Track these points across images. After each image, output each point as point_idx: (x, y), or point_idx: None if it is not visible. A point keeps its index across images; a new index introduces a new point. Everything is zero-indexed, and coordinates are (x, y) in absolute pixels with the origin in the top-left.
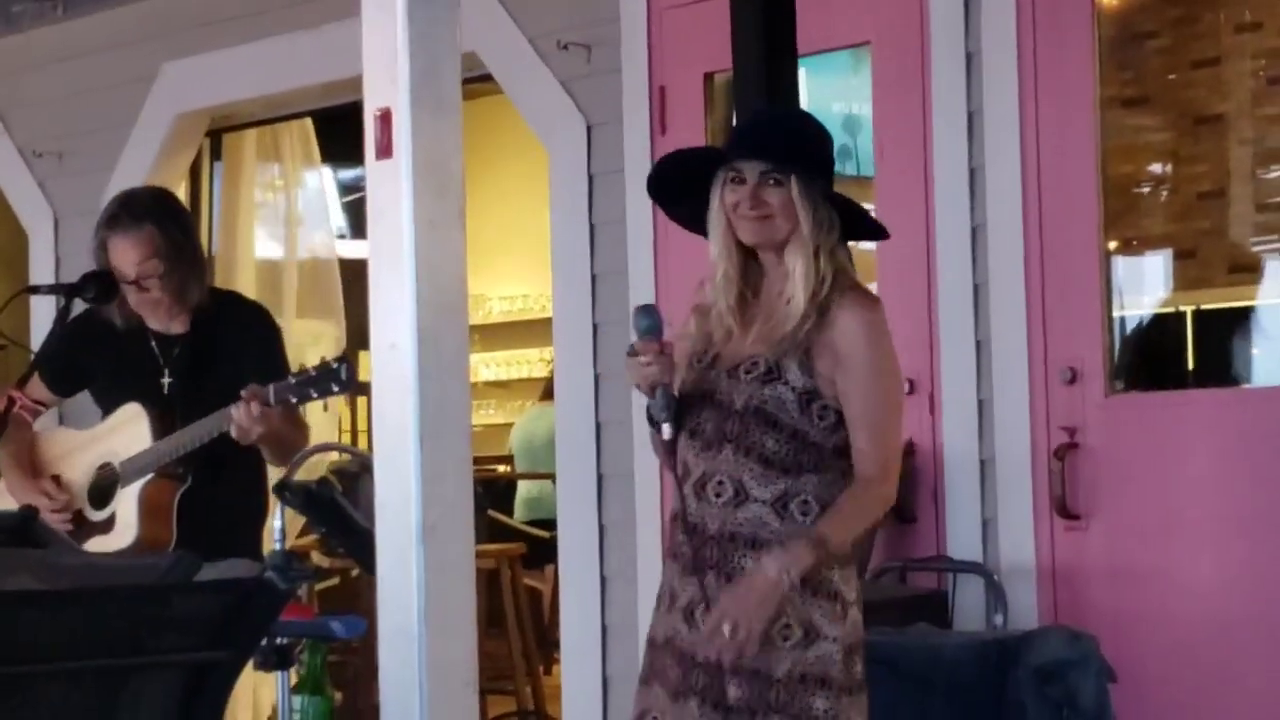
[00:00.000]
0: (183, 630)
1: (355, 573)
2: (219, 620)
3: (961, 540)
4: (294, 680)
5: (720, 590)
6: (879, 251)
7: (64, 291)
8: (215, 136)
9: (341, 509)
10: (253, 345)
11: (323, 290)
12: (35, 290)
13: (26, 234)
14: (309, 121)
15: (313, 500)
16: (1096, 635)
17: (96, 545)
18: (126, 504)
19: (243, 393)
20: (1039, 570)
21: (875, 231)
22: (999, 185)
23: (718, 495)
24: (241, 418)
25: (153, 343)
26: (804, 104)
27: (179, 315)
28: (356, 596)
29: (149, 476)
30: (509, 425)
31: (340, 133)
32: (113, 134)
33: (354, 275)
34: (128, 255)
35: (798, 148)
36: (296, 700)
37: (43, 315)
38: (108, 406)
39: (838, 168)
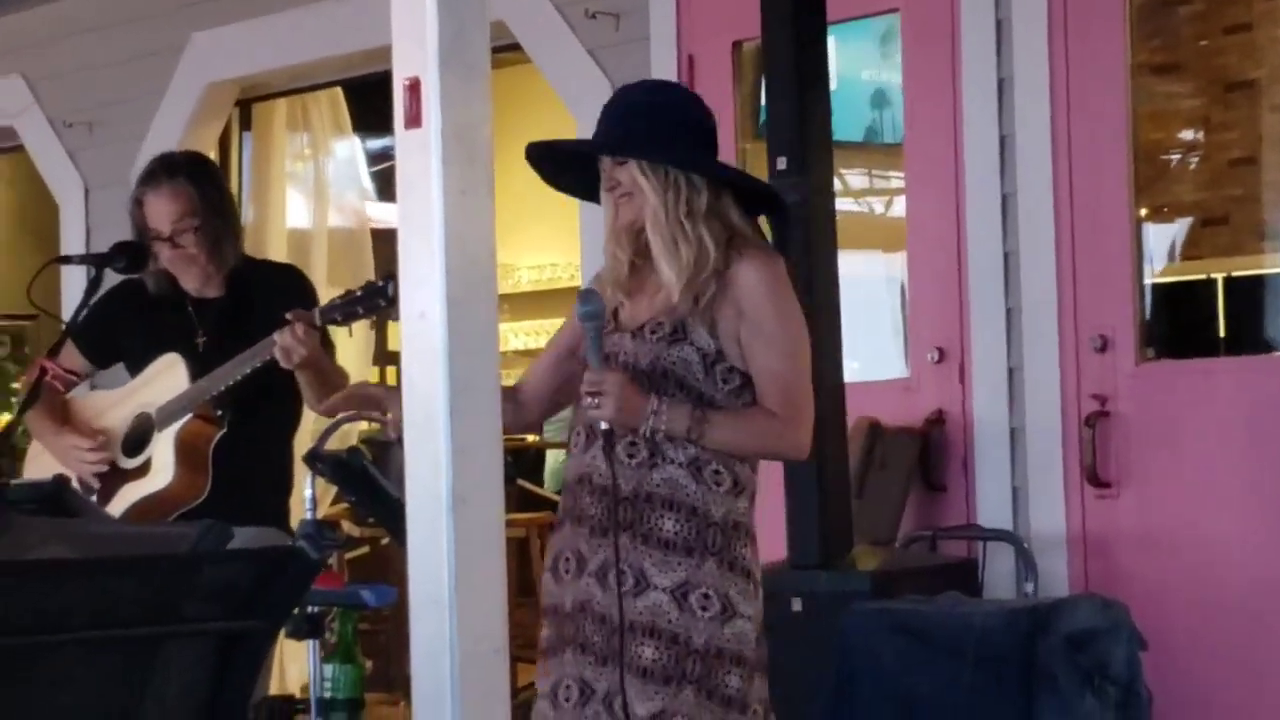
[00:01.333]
0: (215, 599)
1: (385, 541)
2: (251, 589)
3: (992, 508)
4: (325, 649)
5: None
6: (909, 219)
7: (94, 261)
8: (245, 106)
9: (372, 478)
10: (289, 301)
11: (353, 259)
12: (66, 260)
13: (57, 204)
14: (339, 91)
15: (343, 469)
16: (1127, 603)
17: (131, 491)
18: (163, 446)
19: (288, 315)
20: (1069, 538)
21: (770, 199)
22: (1029, 153)
23: (630, 456)
24: (286, 339)
25: (189, 307)
26: (833, 72)
27: (214, 277)
28: (386, 565)
29: (187, 418)
30: None
31: (369, 102)
32: (142, 104)
33: (383, 244)
34: (164, 210)
35: (632, 126)
36: (328, 669)
37: (73, 285)
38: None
39: (865, 137)
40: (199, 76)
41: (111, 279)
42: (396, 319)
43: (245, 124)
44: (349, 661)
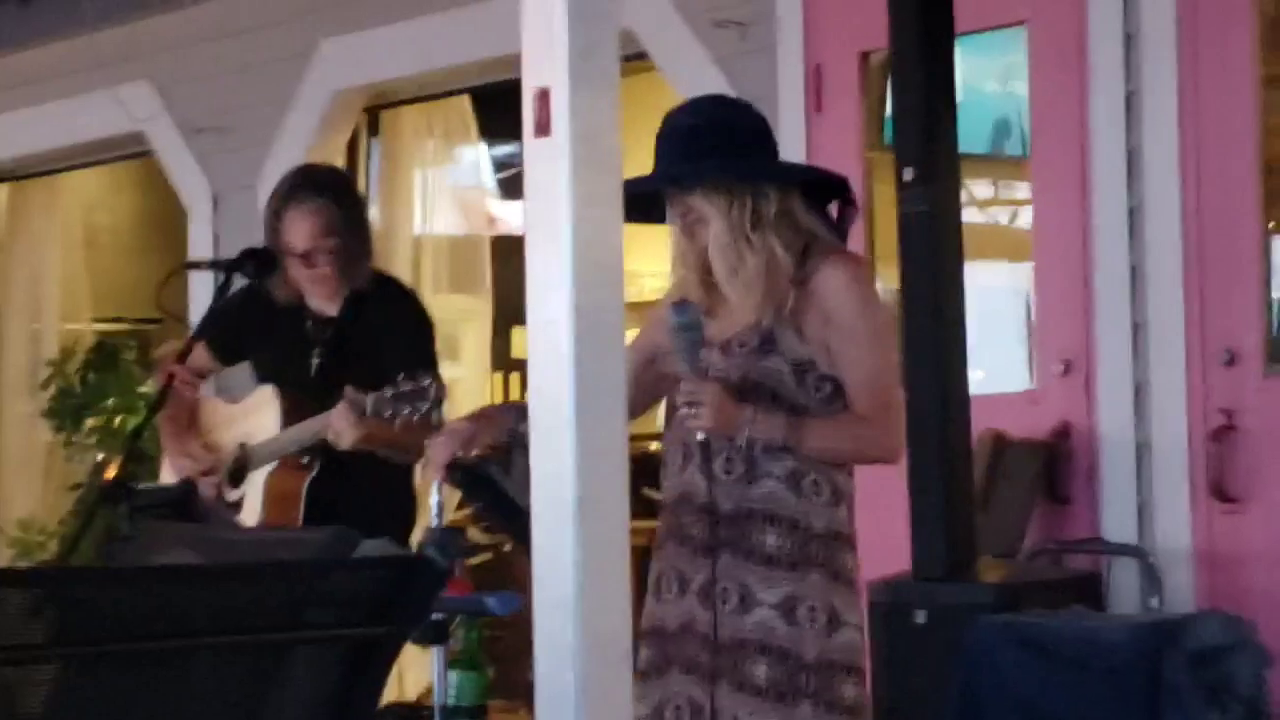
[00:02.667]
0: (343, 606)
1: (508, 548)
2: (380, 597)
3: (1117, 523)
4: (448, 656)
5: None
6: (1035, 231)
7: (223, 268)
8: (372, 113)
9: (498, 485)
10: (400, 335)
11: (474, 267)
12: (195, 266)
13: (185, 210)
14: (466, 98)
15: (470, 476)
16: (1253, 620)
17: None
18: (254, 489)
19: (346, 394)
20: (1195, 553)
21: (840, 188)
22: (1157, 166)
23: (728, 473)
24: (337, 421)
25: (308, 322)
26: (960, 84)
27: (338, 295)
28: (509, 571)
29: (273, 465)
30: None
31: (495, 109)
32: (271, 111)
33: (507, 251)
34: (303, 228)
35: (688, 153)
36: (452, 675)
37: (200, 291)
38: (261, 378)
39: (990, 148)
40: (327, 83)
41: (239, 284)
42: (438, 422)
43: (373, 131)
44: (473, 668)
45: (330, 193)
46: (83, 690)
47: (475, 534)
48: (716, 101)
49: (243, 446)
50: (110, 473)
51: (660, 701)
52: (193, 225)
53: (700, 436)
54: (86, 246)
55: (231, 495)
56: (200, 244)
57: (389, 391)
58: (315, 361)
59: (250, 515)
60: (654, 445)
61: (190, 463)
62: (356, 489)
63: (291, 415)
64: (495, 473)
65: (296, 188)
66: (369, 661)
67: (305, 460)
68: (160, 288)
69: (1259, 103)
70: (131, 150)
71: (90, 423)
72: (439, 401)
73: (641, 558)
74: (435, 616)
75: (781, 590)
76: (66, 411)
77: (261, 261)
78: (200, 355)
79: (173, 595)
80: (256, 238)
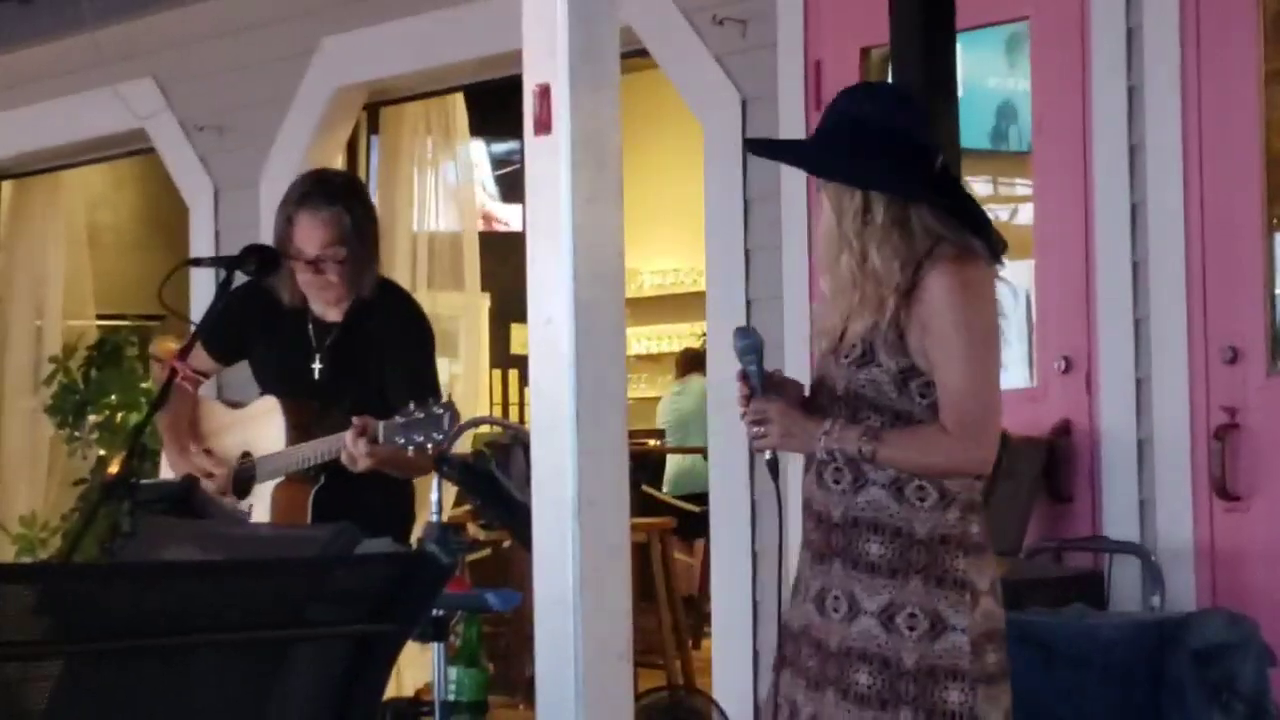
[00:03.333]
0: (346, 603)
1: (507, 544)
2: (382, 593)
3: (1118, 520)
4: (449, 652)
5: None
6: (1037, 228)
7: (225, 264)
8: (373, 110)
9: (497, 482)
10: (401, 346)
11: (472, 263)
12: (197, 263)
13: (187, 206)
14: (460, 95)
15: (470, 473)
16: (1256, 618)
17: None
18: (261, 502)
19: (355, 421)
20: (1197, 551)
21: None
22: (1159, 162)
23: (836, 482)
24: (350, 445)
25: (310, 326)
26: (961, 79)
27: (344, 302)
28: (508, 568)
29: (279, 479)
30: (659, 398)
31: (493, 106)
32: (272, 108)
33: (506, 247)
34: (314, 235)
35: (821, 139)
36: (452, 671)
37: (202, 287)
38: (261, 384)
39: (991, 144)
40: (328, 80)
41: (240, 282)
42: (446, 451)
43: (373, 127)
44: (473, 665)
45: (343, 201)
46: (86, 686)
47: (474, 530)
48: (883, 97)
49: (248, 456)
50: (113, 469)
51: (767, 697)
52: (194, 222)
53: (767, 456)
54: (88, 244)
55: (238, 506)
56: (201, 241)
57: (400, 419)
58: (317, 367)
59: None
60: (651, 442)
61: (190, 470)
62: (361, 499)
63: (298, 428)
64: (494, 469)
65: (309, 194)
66: (371, 658)
67: (311, 473)
68: (163, 284)
69: (1262, 98)
70: (133, 147)
71: (93, 419)
72: (455, 432)
73: (641, 556)
74: (435, 613)
75: (883, 598)
76: (69, 408)
77: (264, 259)
78: (199, 355)
79: (175, 592)
80: (257, 234)
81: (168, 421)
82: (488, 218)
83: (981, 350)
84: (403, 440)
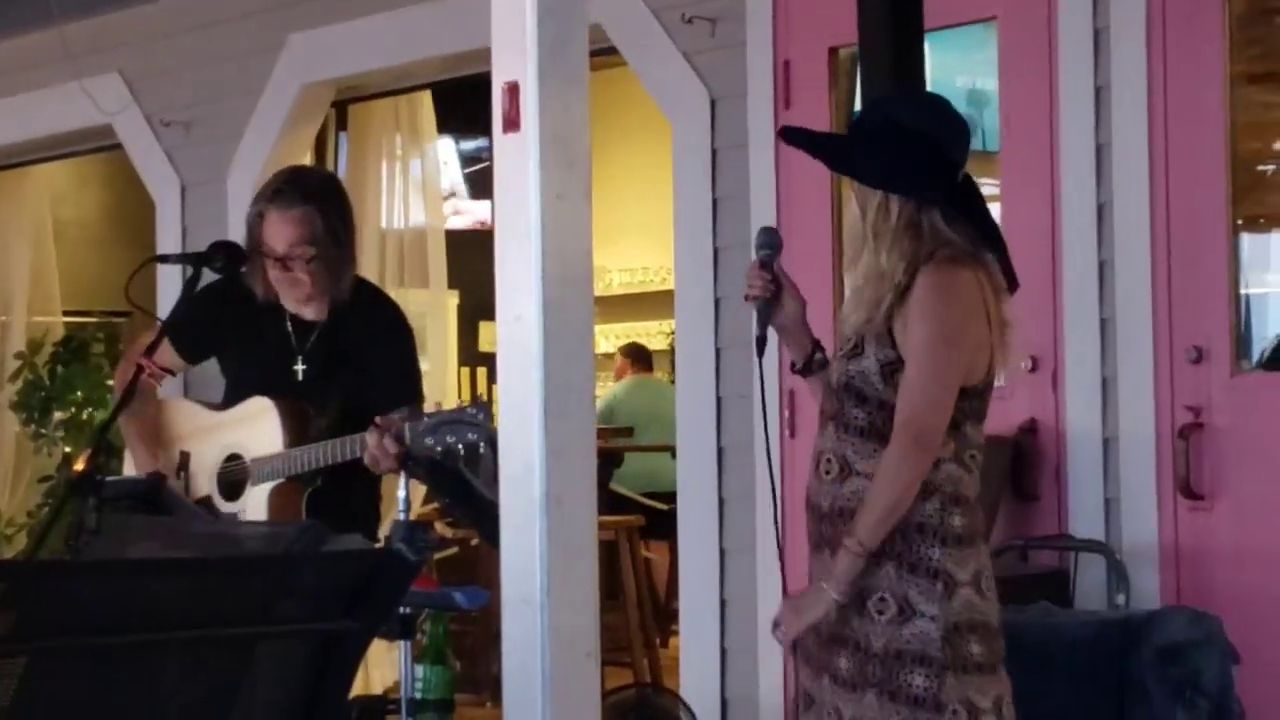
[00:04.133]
0: (313, 600)
1: (475, 542)
2: (349, 591)
3: (1083, 519)
4: (415, 650)
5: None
6: (1003, 227)
7: (192, 261)
8: (340, 108)
9: (465, 479)
10: (386, 347)
11: (439, 261)
12: (164, 259)
13: (153, 202)
14: (428, 92)
15: (437, 470)
16: (1220, 616)
17: None
18: (255, 503)
19: (377, 420)
20: (1162, 550)
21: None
22: (1126, 162)
23: (827, 473)
24: (374, 447)
25: (288, 325)
26: (929, 79)
27: (316, 301)
28: (475, 566)
29: (279, 480)
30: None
31: (460, 104)
32: (239, 104)
33: (474, 245)
34: (283, 232)
35: (852, 139)
36: (419, 669)
37: (168, 283)
38: (235, 382)
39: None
40: (295, 77)
41: (209, 278)
42: (487, 447)
43: (341, 124)
44: (439, 663)
45: (316, 201)
46: (51, 683)
47: (442, 528)
48: (916, 105)
49: (235, 459)
50: (79, 465)
51: (796, 686)
52: (161, 218)
53: (756, 331)
54: (53, 239)
55: (226, 508)
56: (168, 237)
57: (429, 420)
58: (300, 369)
59: None
60: (620, 441)
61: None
62: (355, 501)
63: (294, 430)
64: (462, 466)
65: (282, 191)
66: (338, 655)
67: (308, 474)
68: (130, 281)
69: (1228, 99)
70: (99, 143)
71: (59, 416)
72: (492, 438)
73: (608, 554)
74: (402, 611)
75: (858, 583)
76: (35, 404)
77: (231, 255)
78: (166, 353)
79: (141, 588)
80: (224, 231)
81: (137, 427)
82: (456, 215)
83: (941, 349)
84: (432, 441)
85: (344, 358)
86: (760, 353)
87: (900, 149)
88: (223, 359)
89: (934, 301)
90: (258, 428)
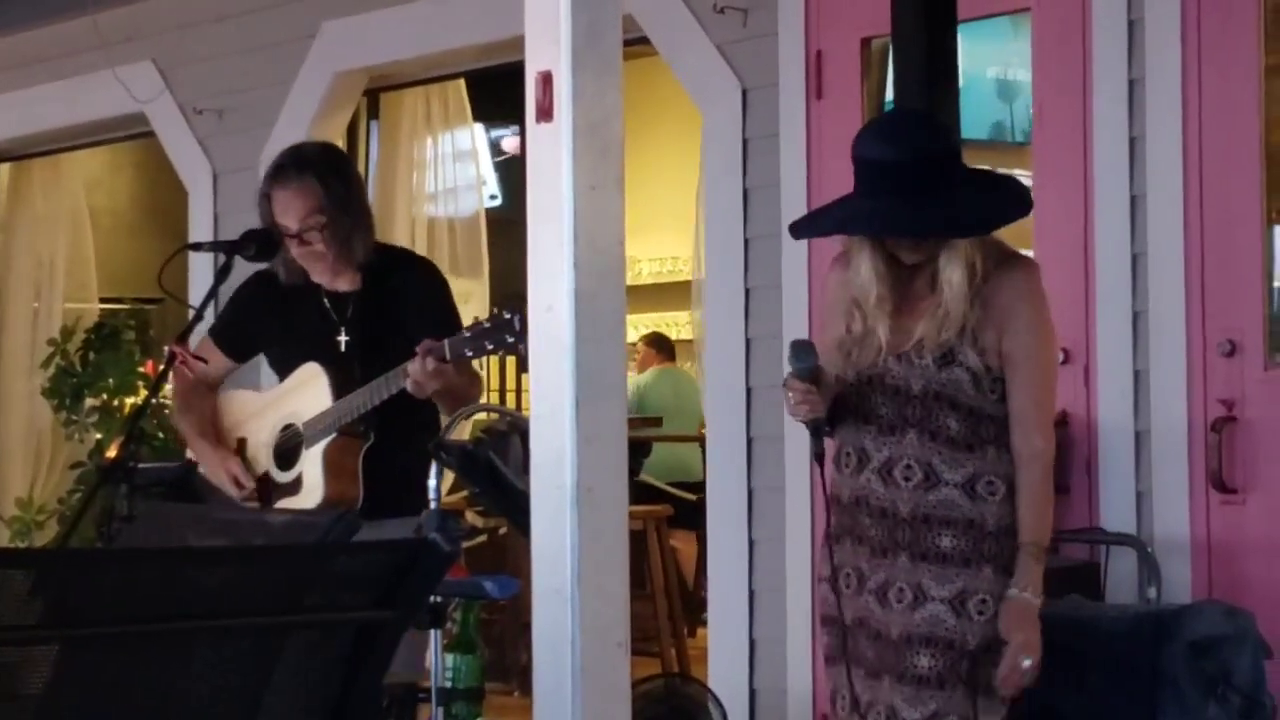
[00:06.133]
0: (348, 590)
1: (503, 531)
2: (384, 580)
3: (1115, 512)
4: (445, 639)
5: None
6: (1036, 219)
7: (224, 249)
8: (373, 96)
9: (496, 468)
10: (425, 300)
11: (471, 250)
12: (196, 248)
13: (186, 190)
14: (461, 81)
15: (468, 459)
16: (1253, 611)
17: (287, 506)
18: (312, 464)
19: (418, 348)
20: (1194, 544)
21: (1024, 201)
22: (1159, 154)
23: (907, 479)
24: (417, 373)
25: (325, 300)
26: (961, 71)
27: (345, 271)
28: (503, 554)
29: (331, 436)
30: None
31: (492, 92)
32: (272, 92)
33: (506, 234)
34: (291, 208)
35: (931, 190)
36: (449, 658)
37: (200, 271)
38: (283, 369)
39: (991, 134)
40: (328, 65)
41: (240, 265)
42: (524, 353)
43: (373, 113)
44: (470, 652)
45: (313, 169)
46: (82, 671)
47: (472, 517)
48: (923, 131)
49: (290, 426)
50: (111, 453)
51: (834, 688)
52: (193, 206)
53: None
54: (80, 226)
55: (283, 478)
56: (200, 224)
57: (467, 333)
58: (343, 339)
59: (311, 492)
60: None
61: (227, 480)
62: (409, 454)
63: (342, 386)
64: (493, 455)
65: (281, 167)
66: (372, 645)
67: (362, 428)
68: (162, 269)
69: (1262, 91)
70: (132, 131)
71: (90, 402)
72: (524, 330)
73: (636, 544)
74: (434, 599)
75: (954, 585)
76: (66, 391)
77: (263, 242)
78: (215, 356)
79: (173, 577)
80: (256, 219)
81: (195, 425)
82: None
83: (1054, 355)
84: (472, 352)
85: (384, 320)
86: (821, 463)
87: (955, 176)
88: (268, 350)
89: (1042, 304)
90: (308, 393)
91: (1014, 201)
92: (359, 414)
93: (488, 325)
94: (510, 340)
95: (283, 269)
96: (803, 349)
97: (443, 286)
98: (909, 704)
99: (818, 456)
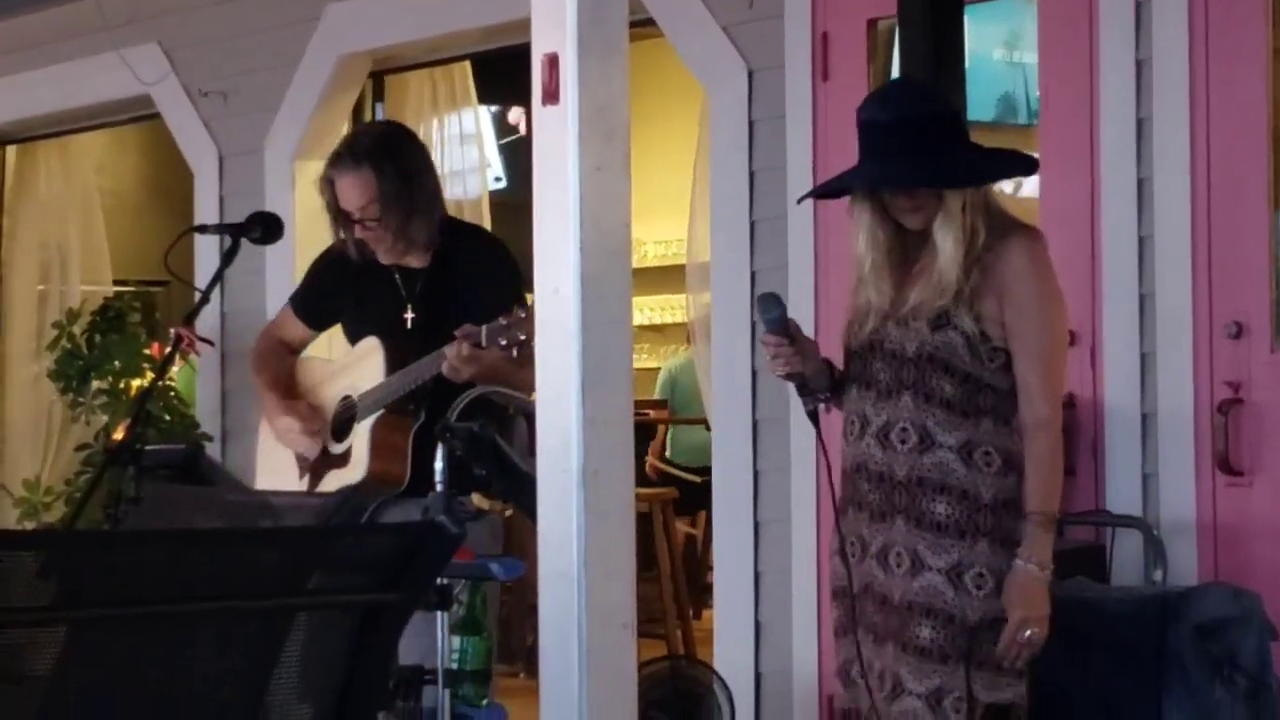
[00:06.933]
0: (354, 572)
1: (509, 513)
2: (391, 562)
3: (1121, 494)
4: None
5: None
6: (1043, 202)
7: (230, 232)
8: (378, 78)
9: (502, 451)
10: (490, 281)
11: None
12: (202, 230)
13: (191, 172)
14: (467, 64)
15: (474, 442)
16: (1258, 593)
17: (333, 479)
18: (360, 439)
19: (456, 332)
20: (1199, 526)
21: (1026, 164)
22: (1167, 137)
23: (903, 441)
24: (453, 357)
25: (396, 276)
26: (968, 52)
27: (412, 251)
28: (509, 536)
29: (380, 413)
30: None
31: (497, 74)
32: (276, 75)
33: (510, 218)
34: (349, 195)
35: (934, 151)
36: (455, 640)
37: (205, 254)
38: (355, 342)
39: (997, 116)
40: (332, 48)
41: (246, 247)
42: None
43: (378, 96)
44: (476, 633)
45: (368, 159)
46: (89, 653)
47: (478, 499)
48: (922, 97)
49: (348, 398)
50: (118, 434)
51: (845, 660)
52: (198, 188)
53: (807, 407)
54: (92, 209)
55: (336, 449)
56: (206, 207)
57: (503, 321)
58: (410, 316)
59: (357, 466)
60: (652, 414)
61: (294, 420)
62: None
63: (396, 362)
64: (498, 438)
65: (340, 155)
66: (379, 627)
67: (411, 407)
68: (169, 251)
69: (1270, 74)
70: (138, 113)
71: (96, 385)
72: (530, 333)
73: (642, 526)
74: (440, 581)
75: (950, 557)
76: (73, 373)
77: (268, 226)
78: (294, 325)
79: (179, 559)
80: (262, 201)
81: (269, 377)
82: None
83: (1062, 328)
84: (506, 340)
85: (452, 297)
86: (816, 424)
87: (961, 142)
88: (344, 323)
89: (1049, 276)
90: (365, 366)
91: (1013, 162)
92: (405, 393)
93: (524, 315)
94: (522, 337)
95: (353, 247)
96: (768, 301)
97: (508, 263)
98: (913, 676)
99: (811, 416)
